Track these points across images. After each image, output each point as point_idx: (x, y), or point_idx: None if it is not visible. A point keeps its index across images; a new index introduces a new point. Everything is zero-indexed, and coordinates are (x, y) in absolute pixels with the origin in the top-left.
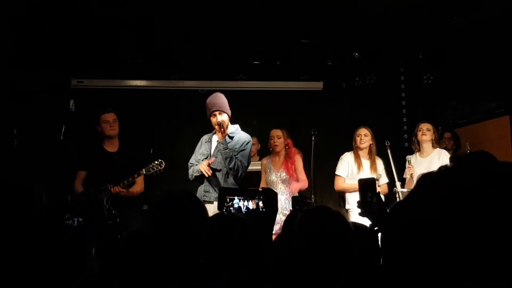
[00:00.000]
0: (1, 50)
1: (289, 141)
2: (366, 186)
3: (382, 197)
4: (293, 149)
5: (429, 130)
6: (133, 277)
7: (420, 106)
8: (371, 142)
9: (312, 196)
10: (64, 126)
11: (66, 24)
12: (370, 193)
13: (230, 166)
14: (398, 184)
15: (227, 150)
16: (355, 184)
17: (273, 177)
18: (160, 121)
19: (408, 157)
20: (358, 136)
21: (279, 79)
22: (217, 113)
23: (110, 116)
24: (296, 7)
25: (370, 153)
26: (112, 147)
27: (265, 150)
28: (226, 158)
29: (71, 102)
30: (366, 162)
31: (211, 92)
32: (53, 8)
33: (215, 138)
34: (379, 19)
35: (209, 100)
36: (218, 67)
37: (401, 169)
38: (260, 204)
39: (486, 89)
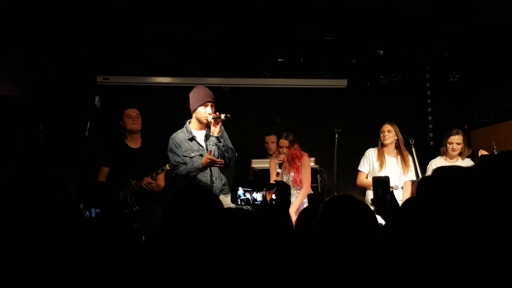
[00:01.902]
0: (28, 47)
1: (296, 146)
2: (379, 184)
3: (408, 193)
4: (299, 153)
5: (459, 144)
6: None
7: (445, 105)
8: (396, 138)
9: (335, 193)
10: (89, 122)
11: (91, 21)
12: (383, 191)
13: (230, 157)
14: None
15: (225, 143)
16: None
17: (285, 178)
18: (184, 118)
19: (432, 163)
20: (382, 132)
21: (303, 77)
22: (210, 104)
23: (133, 111)
24: (321, 4)
25: (397, 149)
26: (134, 143)
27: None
28: (226, 151)
29: (97, 98)
30: (391, 159)
31: (235, 89)
32: (79, 5)
33: (198, 133)
34: (404, 16)
35: (201, 90)
36: (242, 64)
37: (425, 167)
38: (271, 195)
39: None
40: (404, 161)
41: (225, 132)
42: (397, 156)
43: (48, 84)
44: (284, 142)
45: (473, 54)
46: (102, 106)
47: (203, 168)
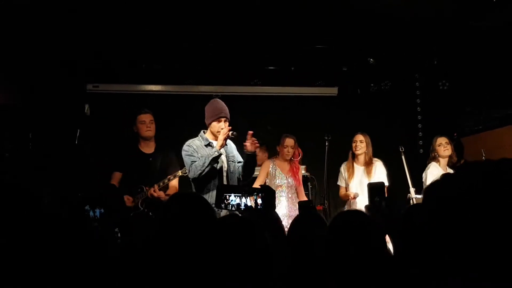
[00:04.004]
0: (17, 55)
1: (299, 150)
2: (375, 190)
3: None
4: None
5: (448, 144)
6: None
7: (435, 112)
8: (365, 150)
9: (326, 201)
10: (79, 130)
11: (81, 29)
12: (378, 197)
13: (244, 174)
14: (412, 190)
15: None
16: (346, 192)
17: (280, 181)
18: (175, 126)
19: (428, 172)
20: (354, 142)
21: (293, 85)
22: (223, 119)
23: (146, 117)
24: (312, 12)
25: (366, 159)
26: (148, 148)
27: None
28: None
29: (87, 106)
30: (360, 168)
31: (225, 97)
32: (69, 13)
33: (214, 142)
34: (394, 24)
35: (217, 105)
36: (233, 72)
37: (415, 175)
38: (259, 201)
39: (502, 95)
40: (367, 171)
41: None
42: (365, 165)
43: (38, 92)
44: (291, 141)
45: (463, 62)
46: (92, 114)
47: (219, 154)
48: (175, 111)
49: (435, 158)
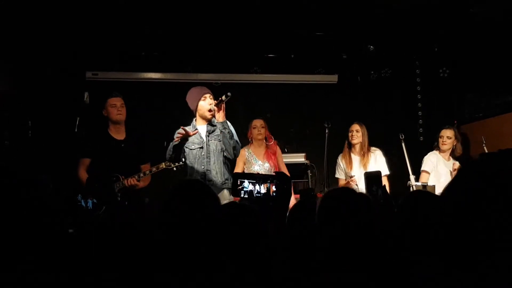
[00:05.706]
0: (16, 43)
1: (268, 132)
2: (371, 179)
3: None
4: (273, 140)
5: (449, 138)
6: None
7: (435, 100)
8: (361, 139)
9: (326, 189)
10: (78, 118)
11: (80, 16)
12: (376, 186)
13: (233, 145)
14: (412, 177)
15: (230, 129)
16: (348, 180)
17: (256, 168)
18: (174, 114)
19: (426, 157)
20: (350, 132)
21: (293, 72)
22: (207, 95)
23: (117, 100)
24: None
25: (362, 149)
26: (118, 134)
27: None
28: (231, 138)
29: (86, 94)
30: (356, 158)
31: (225, 84)
32: (69, 1)
33: (201, 127)
34: (394, 11)
35: (194, 89)
36: (233, 60)
37: (415, 162)
38: (273, 188)
39: (503, 82)
40: (363, 162)
41: (232, 127)
42: (360, 156)
43: (37, 80)
44: (259, 121)
45: (463, 49)
46: (91, 102)
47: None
48: (175, 99)
49: (437, 147)
